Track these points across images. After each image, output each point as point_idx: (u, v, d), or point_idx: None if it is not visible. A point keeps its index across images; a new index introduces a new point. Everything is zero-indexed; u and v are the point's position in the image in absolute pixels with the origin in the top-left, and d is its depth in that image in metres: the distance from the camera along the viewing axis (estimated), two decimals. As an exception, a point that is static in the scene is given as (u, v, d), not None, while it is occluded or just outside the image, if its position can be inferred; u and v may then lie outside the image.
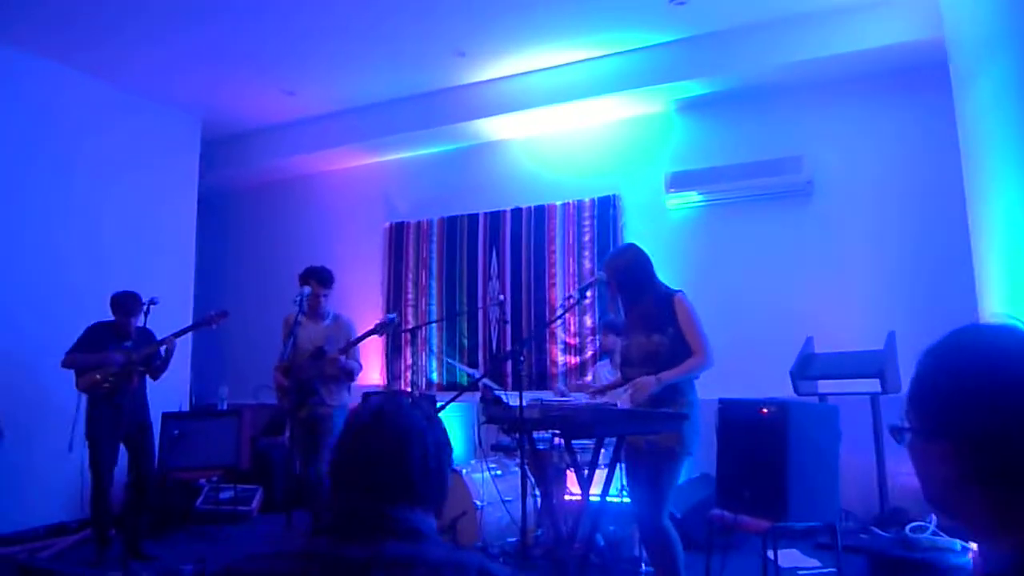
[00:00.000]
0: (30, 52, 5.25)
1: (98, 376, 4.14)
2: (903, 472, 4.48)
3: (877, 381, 4.17)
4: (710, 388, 3.81)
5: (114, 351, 4.19)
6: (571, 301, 3.13)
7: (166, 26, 5.04)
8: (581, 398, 3.55)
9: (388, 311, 6.42)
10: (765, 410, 3.29)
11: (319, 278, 4.36)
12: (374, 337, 6.33)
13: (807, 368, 4.49)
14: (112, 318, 4.32)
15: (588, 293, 3.27)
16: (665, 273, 5.27)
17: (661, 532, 2.95)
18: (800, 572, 3.89)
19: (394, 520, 1.01)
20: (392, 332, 4.38)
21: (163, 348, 4.28)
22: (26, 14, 4.78)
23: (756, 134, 5.25)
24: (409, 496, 1.05)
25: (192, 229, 6.49)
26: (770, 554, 3.59)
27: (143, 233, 5.92)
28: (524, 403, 2.83)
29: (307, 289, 4.13)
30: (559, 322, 5.69)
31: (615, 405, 2.71)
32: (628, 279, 3.04)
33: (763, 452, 3.22)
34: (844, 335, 4.57)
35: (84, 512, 4.55)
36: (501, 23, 5.02)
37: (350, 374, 4.40)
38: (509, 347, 5.86)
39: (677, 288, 3.12)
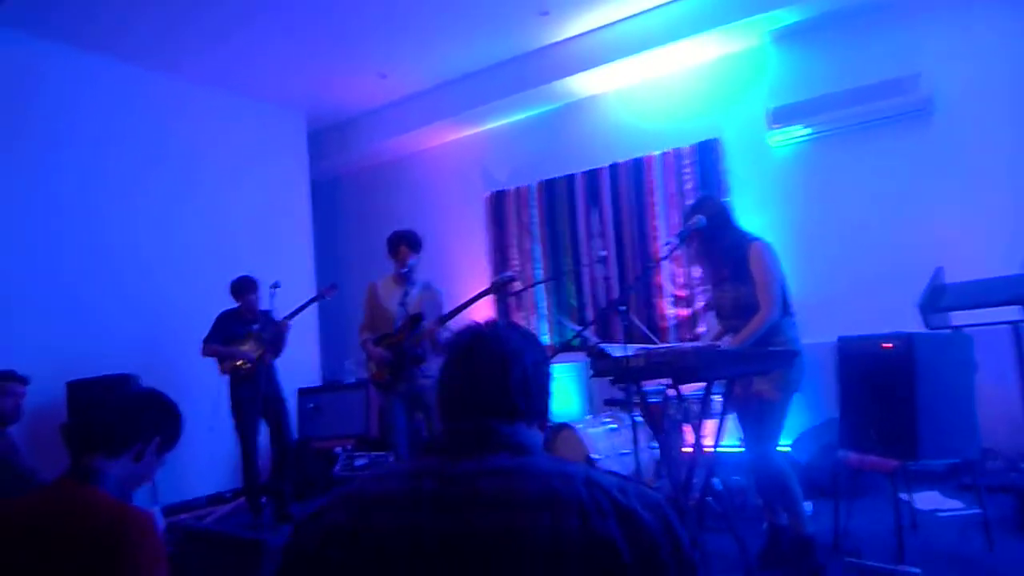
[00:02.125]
0: (148, 67, 5.71)
1: (238, 361, 4.52)
2: (1056, 404, 4.12)
3: (1018, 308, 3.83)
4: (831, 328, 3.66)
5: (244, 337, 4.56)
6: (670, 247, 3.09)
7: (263, 27, 5.32)
8: None
9: (494, 278, 6.54)
10: (888, 344, 3.13)
11: (409, 241, 4.25)
12: (485, 301, 6.51)
13: (938, 300, 4.17)
14: (236, 304, 4.69)
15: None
16: (772, 214, 5.15)
17: (769, 463, 2.97)
18: (941, 514, 3.69)
19: (500, 435, 1.04)
20: (503, 290, 4.17)
21: (283, 329, 4.59)
22: (134, 28, 5.17)
23: (862, 56, 4.88)
24: (512, 413, 1.08)
25: (308, 216, 6.90)
26: (904, 496, 3.44)
27: (264, 225, 6.35)
28: (630, 352, 2.84)
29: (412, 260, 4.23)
30: (667, 275, 5.61)
31: (719, 346, 2.67)
32: (714, 228, 3.00)
33: (888, 389, 3.07)
34: (977, 263, 4.21)
35: (237, 482, 5.01)
36: (581, -25, 4.93)
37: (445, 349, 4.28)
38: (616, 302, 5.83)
39: (758, 236, 3.09)
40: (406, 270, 4.21)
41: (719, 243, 3.06)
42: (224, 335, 4.58)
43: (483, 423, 1.06)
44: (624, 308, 2.92)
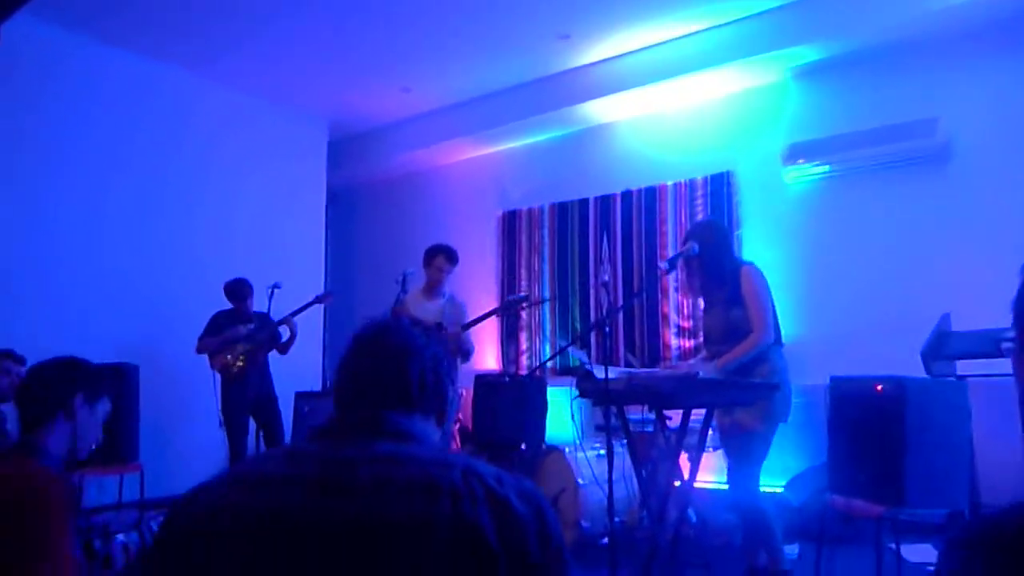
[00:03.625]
0: (177, 64, 5.83)
1: (228, 357, 4.56)
2: (1060, 463, 3.97)
3: (1025, 360, 3.71)
4: (833, 368, 3.58)
5: (240, 328, 4.60)
6: (660, 272, 3.06)
7: (292, 34, 5.43)
8: None
9: (502, 297, 6.54)
10: (880, 387, 3.05)
11: (448, 254, 4.41)
12: (490, 322, 6.50)
13: (942, 347, 4.08)
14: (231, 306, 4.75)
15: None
16: (786, 250, 5.09)
17: (749, 499, 2.87)
18: (930, 568, 3.55)
19: (389, 423, 1.05)
20: (516, 309, 4.36)
21: (284, 327, 4.63)
22: (163, 26, 5.29)
23: (882, 97, 4.84)
24: (407, 404, 1.09)
25: (321, 223, 6.98)
26: (892, 546, 3.33)
27: (277, 228, 6.42)
28: (612, 375, 2.80)
29: (410, 270, 4.29)
30: (672, 305, 5.57)
31: (698, 374, 2.62)
32: (710, 252, 2.96)
33: (878, 432, 2.98)
34: (986, 312, 4.09)
35: (227, 481, 5.02)
36: (603, 2, 4.96)
37: (467, 353, 4.37)
38: (618, 328, 5.80)
39: (749, 261, 3.08)
40: (439, 284, 4.37)
41: (712, 269, 3.03)
42: (217, 333, 4.62)
43: (372, 412, 1.06)
44: (608, 329, 2.88)
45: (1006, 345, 0.91)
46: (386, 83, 6.30)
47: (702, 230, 3.12)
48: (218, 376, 4.67)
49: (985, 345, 3.96)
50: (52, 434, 1.72)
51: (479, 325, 6.38)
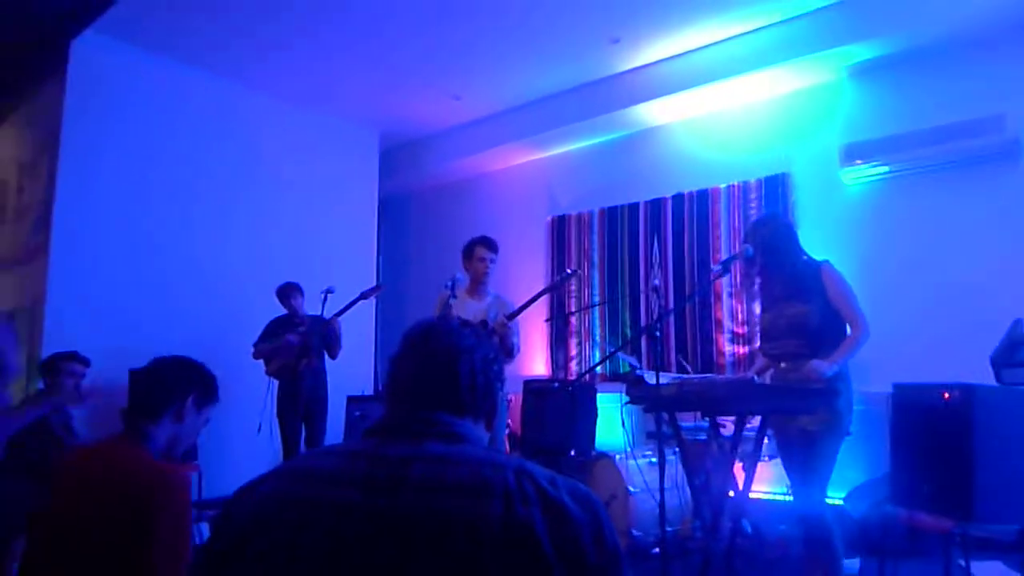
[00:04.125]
0: (235, 80, 6.03)
1: (284, 362, 4.66)
2: None
3: (1106, 369, 3.51)
4: (896, 377, 3.44)
5: (290, 335, 4.70)
6: (713, 274, 2.99)
7: (343, 47, 5.55)
8: None
9: (551, 304, 6.51)
10: (947, 394, 2.91)
11: (485, 243, 4.19)
12: (540, 328, 6.49)
13: (1014, 354, 3.88)
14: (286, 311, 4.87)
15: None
16: (844, 253, 4.94)
17: (813, 519, 2.76)
18: (1003, 586, 3.38)
19: (439, 424, 1.05)
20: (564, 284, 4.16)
21: (331, 327, 4.70)
22: (232, 47, 5.50)
23: (944, 94, 4.65)
24: (457, 406, 1.09)
25: (373, 230, 7.10)
26: (962, 563, 3.18)
27: (331, 235, 6.56)
28: (663, 381, 2.75)
29: (459, 275, 4.21)
30: (726, 311, 5.46)
31: (752, 379, 2.55)
32: (772, 248, 2.87)
33: (945, 442, 2.86)
34: (1063, 317, 3.90)
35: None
36: (653, 4, 4.91)
37: (510, 351, 3.99)
38: (670, 334, 5.71)
39: (823, 259, 2.92)
40: (484, 277, 4.14)
41: (775, 265, 2.93)
42: (272, 338, 4.74)
43: (423, 413, 1.07)
44: (659, 334, 2.83)
45: None
46: (436, 92, 6.36)
47: (761, 228, 3.01)
48: (272, 380, 4.77)
49: (1061, 352, 3.75)
50: (157, 429, 1.78)
51: (528, 330, 6.38)
